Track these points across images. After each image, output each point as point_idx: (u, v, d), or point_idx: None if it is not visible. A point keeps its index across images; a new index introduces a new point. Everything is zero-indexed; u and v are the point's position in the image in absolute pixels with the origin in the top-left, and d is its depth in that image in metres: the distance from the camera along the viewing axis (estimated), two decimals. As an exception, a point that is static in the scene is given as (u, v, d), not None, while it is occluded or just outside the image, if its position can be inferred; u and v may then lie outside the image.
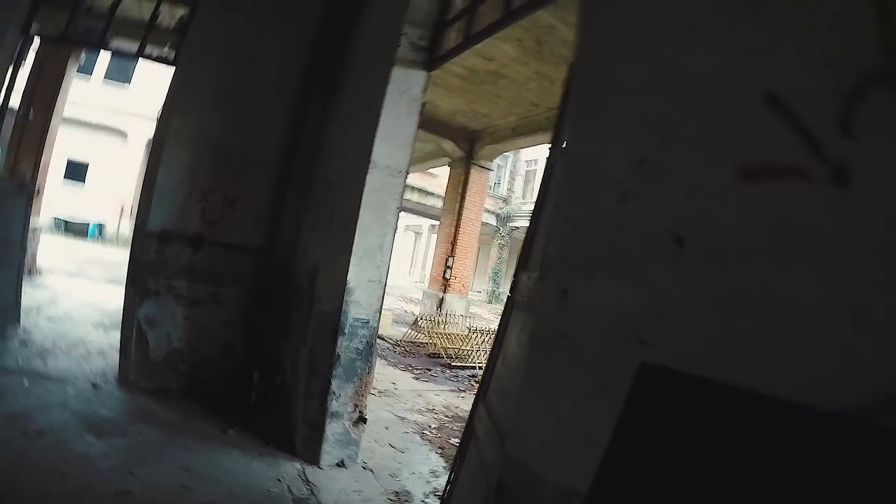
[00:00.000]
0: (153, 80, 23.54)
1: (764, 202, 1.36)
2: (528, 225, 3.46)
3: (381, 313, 4.83)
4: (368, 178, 4.55)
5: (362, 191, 4.54)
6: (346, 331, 4.61)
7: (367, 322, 4.69)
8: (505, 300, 3.50)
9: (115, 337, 7.27)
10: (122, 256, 18.56)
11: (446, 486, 3.77)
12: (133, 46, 6.51)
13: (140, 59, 6.50)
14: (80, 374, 5.78)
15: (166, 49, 6.49)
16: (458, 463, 3.60)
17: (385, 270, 4.74)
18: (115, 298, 10.37)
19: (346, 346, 4.63)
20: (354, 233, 4.55)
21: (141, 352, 5.80)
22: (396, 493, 4.56)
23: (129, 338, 5.81)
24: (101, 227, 23.96)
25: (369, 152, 4.56)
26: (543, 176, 3.49)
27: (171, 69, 6.37)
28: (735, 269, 1.37)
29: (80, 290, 10.95)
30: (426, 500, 4.61)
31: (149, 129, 24.37)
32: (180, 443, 4.69)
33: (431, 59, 4.77)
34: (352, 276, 4.57)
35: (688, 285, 1.44)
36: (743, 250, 1.37)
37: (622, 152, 1.66)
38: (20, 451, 3.96)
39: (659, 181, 1.55)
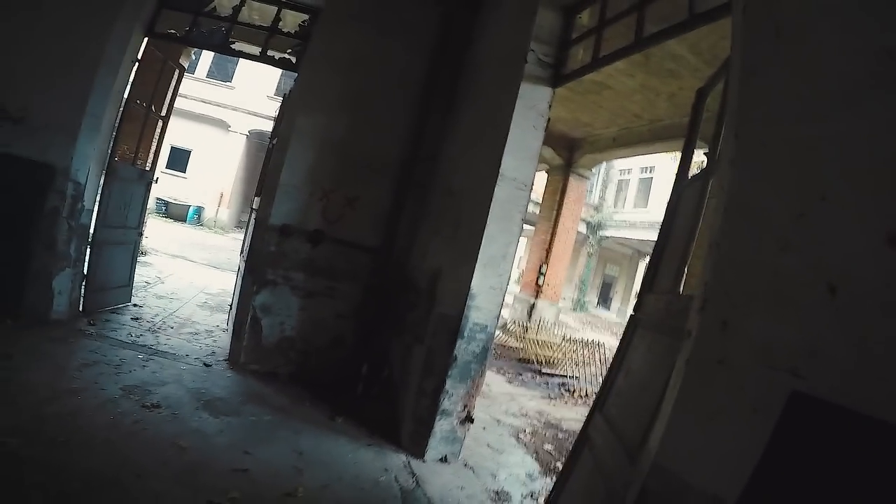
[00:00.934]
0: (252, 78, 25.12)
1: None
2: (655, 250, 3.67)
3: (499, 319, 5.10)
4: (497, 190, 4.82)
5: (490, 202, 4.82)
6: (466, 334, 4.89)
7: (486, 327, 4.97)
8: (628, 320, 3.70)
9: (221, 318, 7.82)
10: (219, 241, 19.72)
11: (553, 489, 4.00)
12: (253, 49, 6.94)
13: (259, 61, 6.89)
14: (191, 352, 6.22)
15: (287, 53, 6.92)
16: (569, 468, 3.83)
17: (506, 278, 5.01)
18: (216, 281, 11.10)
19: (464, 349, 4.91)
20: (480, 241, 4.83)
21: (254, 336, 6.23)
22: (496, 493, 4.79)
23: (244, 322, 6.24)
24: (200, 211, 25.23)
25: (498, 165, 4.83)
26: (670, 202, 3.69)
27: (278, 71, 6.82)
28: (877, 319, 1.61)
29: (183, 271, 11.60)
30: (524, 500, 4.84)
31: (248, 122, 25.89)
32: (291, 426, 5.00)
33: (557, 76, 4.98)
34: (475, 283, 4.85)
35: (837, 329, 1.67)
36: (885, 304, 1.59)
37: (783, 203, 1.90)
38: (139, 423, 4.26)
39: (817, 235, 1.79)
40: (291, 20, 6.90)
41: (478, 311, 4.90)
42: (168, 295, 8.85)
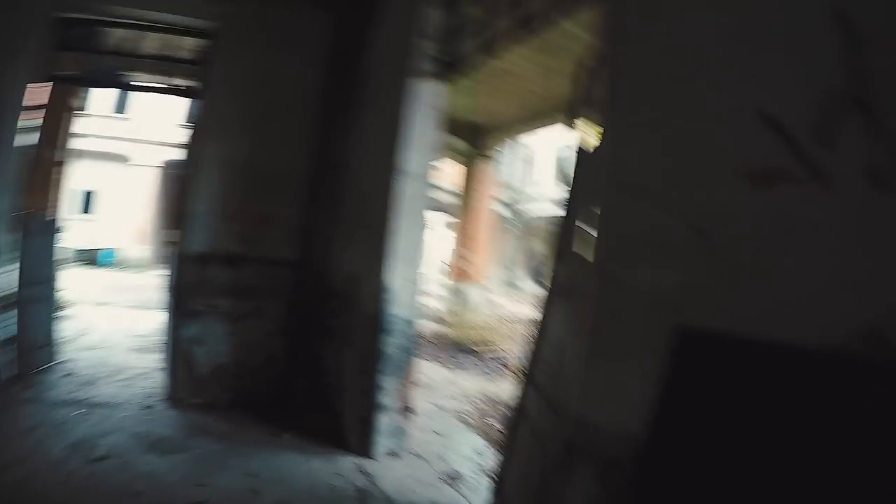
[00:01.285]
0: (159, 108, 23.84)
1: (766, 200, 1.78)
2: (561, 221, 3.81)
3: (419, 310, 5.20)
4: (398, 186, 4.90)
5: (394, 199, 4.90)
6: (390, 329, 4.95)
7: (409, 319, 5.06)
8: (544, 291, 3.84)
9: (153, 359, 7.59)
10: (142, 280, 19.01)
11: (500, 462, 4.14)
12: (148, 80, 6.79)
13: (163, 94, 6.76)
14: (130, 398, 6.03)
15: (185, 81, 6.79)
16: (510, 440, 3.98)
17: (420, 270, 5.11)
18: (145, 322, 10.73)
19: (391, 344, 4.97)
20: (389, 238, 4.91)
21: (188, 370, 6.11)
22: (448, 475, 4.90)
23: (176, 357, 6.12)
24: (119, 252, 24.20)
25: (397, 162, 4.91)
26: (574, 176, 3.84)
27: (178, 98, 6.71)
28: (744, 253, 1.80)
29: (108, 317, 11.12)
30: (475, 477, 4.96)
31: (158, 154, 24.71)
32: (240, 451, 4.97)
33: (448, 70, 5.07)
34: (392, 279, 4.93)
35: (708, 266, 1.86)
36: (750, 238, 1.79)
37: (651, 161, 2.09)
38: (91, 477, 4.19)
39: (685, 187, 1.97)
40: (191, 46, 6.77)
41: (398, 306, 4.98)
42: (98, 345, 8.50)
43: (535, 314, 3.73)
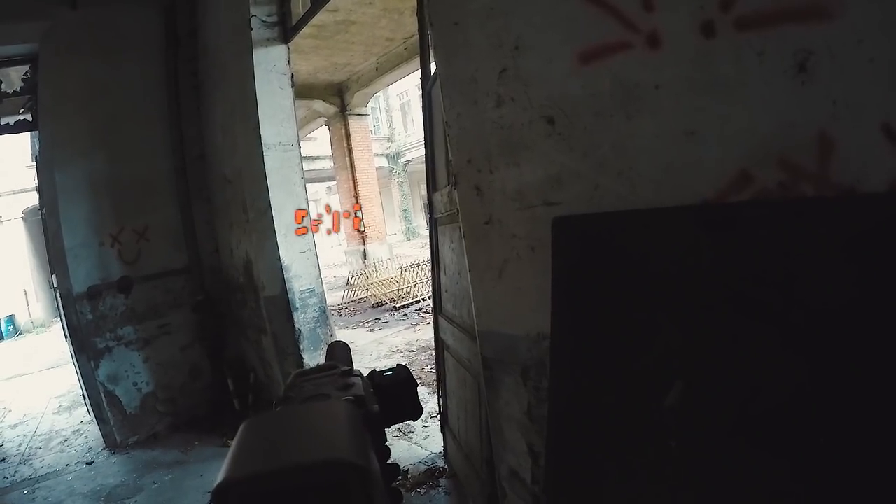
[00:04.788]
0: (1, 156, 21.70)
1: (603, 74, 1.78)
2: (424, 152, 3.82)
3: (321, 278, 5.11)
4: (266, 160, 4.73)
5: (265, 174, 4.73)
6: (298, 305, 4.88)
7: (313, 290, 4.99)
8: (428, 225, 3.87)
9: (81, 413, 7.31)
10: (44, 339, 17.88)
11: (439, 400, 4.21)
12: None
13: None
14: (70, 460, 5.82)
15: (20, 113, 6.26)
16: (441, 376, 4.04)
17: (311, 238, 5.00)
18: (60, 380, 10.25)
19: (304, 319, 4.92)
20: (272, 214, 4.76)
21: (116, 411, 5.86)
22: (399, 429, 4.95)
23: (100, 403, 5.84)
24: (12, 319, 22.35)
25: (259, 137, 4.72)
26: (423, 104, 3.83)
27: (25, 137, 6.19)
28: (595, 129, 1.81)
29: (23, 388, 10.62)
30: (426, 424, 5.05)
31: (17, 203, 22.38)
32: (193, 471, 4.94)
33: (286, 31, 4.90)
34: (284, 255, 4.81)
35: (566, 151, 1.87)
36: (597, 113, 1.80)
37: (487, 66, 2.06)
38: None
39: (520, 80, 1.96)
40: (15, 77, 6.19)
41: (298, 280, 4.90)
42: (21, 420, 8.05)
43: (428, 249, 3.76)
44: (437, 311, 3.83)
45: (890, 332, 1.39)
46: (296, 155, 4.90)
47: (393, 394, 0.75)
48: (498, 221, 2.09)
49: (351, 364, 0.79)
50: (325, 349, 4.41)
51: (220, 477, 0.42)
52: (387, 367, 0.76)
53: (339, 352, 0.88)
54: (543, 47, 1.91)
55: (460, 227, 2.39)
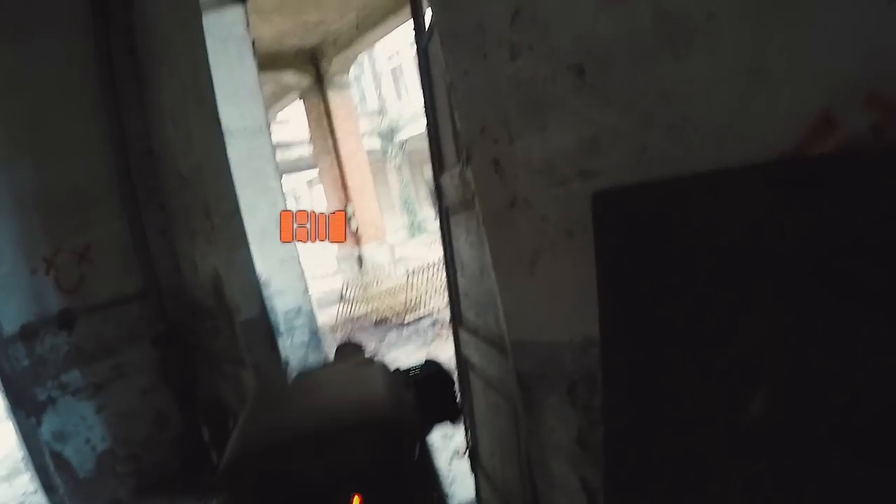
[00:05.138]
0: None
1: (641, 6, 1.78)
2: (426, 126, 3.83)
3: (309, 293, 5.12)
4: (229, 150, 4.70)
5: (229, 168, 4.71)
6: (282, 329, 4.88)
7: (300, 309, 5.00)
8: (438, 216, 3.88)
9: (24, 482, 7.39)
10: None
11: (466, 433, 4.23)
12: None
13: None
14: None
15: None
16: (467, 404, 4.05)
17: (293, 246, 5.01)
18: None
19: (290, 345, 4.92)
20: (241, 217, 4.74)
21: (67, 477, 5.89)
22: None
23: (45, 468, 5.86)
24: None
25: (217, 123, 4.70)
26: (419, 65, 3.84)
27: None
28: (637, 77, 1.81)
29: None
30: (451, 465, 5.15)
31: None
32: None
33: (241, -16, 4.88)
34: (260, 266, 4.79)
35: (602, 106, 1.87)
36: (637, 57, 1.80)
37: (496, 10, 2.07)
38: None
39: (539, 23, 1.96)
40: None
41: (281, 297, 4.89)
42: None
43: (440, 245, 3.77)
44: (457, 322, 3.84)
45: None
46: (266, 142, 4.89)
47: (427, 390, 0.77)
48: (524, 203, 2.09)
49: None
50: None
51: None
52: (413, 364, 0.79)
53: (351, 352, 0.90)
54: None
55: (478, 214, 2.40)
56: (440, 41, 2.33)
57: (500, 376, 3.03)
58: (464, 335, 3.74)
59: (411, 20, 3.79)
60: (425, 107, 3.79)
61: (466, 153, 2.28)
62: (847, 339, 1.55)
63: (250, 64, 4.91)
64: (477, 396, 3.82)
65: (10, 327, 5.78)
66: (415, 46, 3.81)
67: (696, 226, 1.72)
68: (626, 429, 1.91)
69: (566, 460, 2.34)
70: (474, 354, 3.56)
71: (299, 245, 5.11)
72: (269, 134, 4.97)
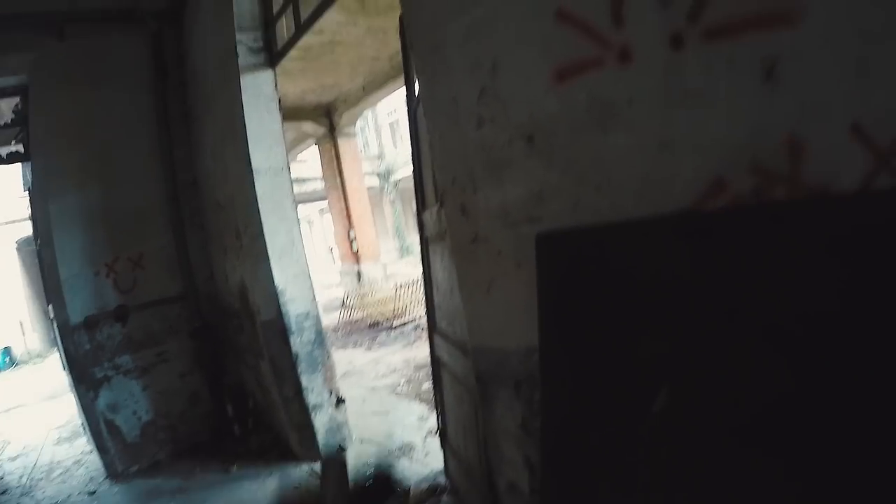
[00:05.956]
0: None
1: (578, 91, 1.84)
2: (412, 172, 3.88)
3: (316, 301, 5.14)
4: (257, 185, 4.76)
5: (256, 199, 4.76)
6: (294, 328, 4.90)
7: (308, 313, 5.01)
8: (419, 244, 3.92)
9: (82, 444, 7.32)
10: (41, 371, 17.81)
11: (438, 418, 4.24)
12: None
13: None
14: (72, 490, 5.81)
15: (12, 144, 6.30)
16: (439, 394, 4.07)
17: (304, 262, 5.03)
18: (60, 411, 10.24)
19: (300, 342, 4.94)
20: (264, 239, 4.79)
21: (117, 440, 5.86)
22: (399, 448, 5.02)
23: (100, 433, 5.84)
24: (8, 351, 22.18)
25: (248, 163, 4.75)
26: (409, 124, 3.89)
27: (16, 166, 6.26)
28: (573, 145, 1.87)
29: (22, 420, 10.60)
30: (426, 441, 5.08)
31: (10, 232, 21.97)
32: (196, 498, 4.93)
33: (271, 56, 4.94)
34: (278, 279, 4.83)
35: (546, 168, 1.93)
36: (574, 129, 1.86)
37: (467, 88, 2.12)
38: None
39: (499, 100, 2.02)
40: (6, 108, 6.23)
41: (293, 303, 4.91)
42: (21, 452, 8.00)
43: (420, 267, 3.81)
44: (432, 328, 3.87)
45: (867, 333, 1.44)
46: (286, 179, 4.94)
47: None
48: (484, 239, 2.15)
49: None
50: (322, 371, 4.46)
51: None
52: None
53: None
54: (520, 67, 1.98)
55: (449, 246, 2.45)
56: (423, 110, 2.38)
57: (464, 373, 3.06)
58: (437, 339, 3.77)
59: (405, 88, 3.85)
60: (412, 157, 3.84)
61: (441, 198, 2.32)
62: (731, 353, 1.60)
63: (276, 116, 4.96)
64: (446, 388, 3.84)
65: (76, 318, 5.78)
66: (407, 108, 3.85)
67: (614, 262, 1.78)
68: (558, 419, 1.95)
69: (513, 442, 2.37)
70: (445, 355, 3.59)
71: (310, 261, 5.14)
72: (289, 173, 5.00)
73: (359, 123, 16.16)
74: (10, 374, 19.97)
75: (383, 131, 33.54)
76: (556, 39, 1.87)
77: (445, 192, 2.26)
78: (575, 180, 1.87)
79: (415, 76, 3.58)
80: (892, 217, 1.40)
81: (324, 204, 25.93)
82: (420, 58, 2.36)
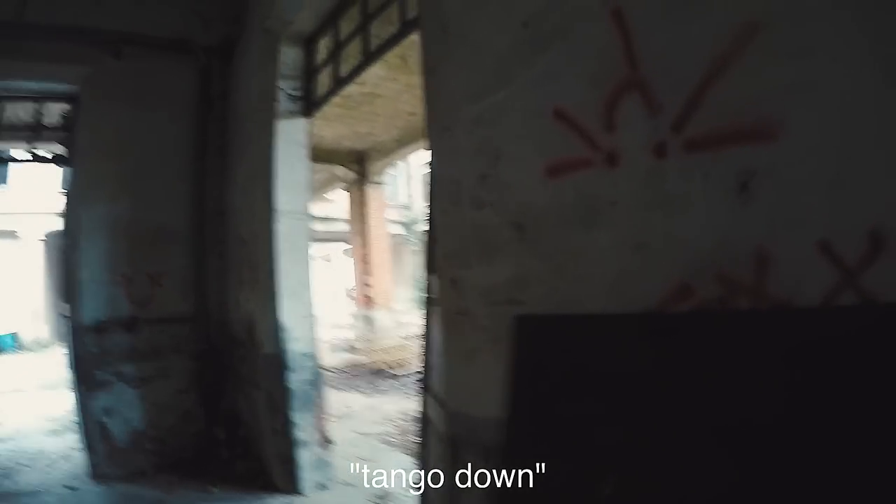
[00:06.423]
0: (36, 175, 21.06)
1: (567, 187, 2.01)
2: (426, 236, 4.03)
3: (318, 342, 5.28)
4: (278, 226, 4.98)
5: (275, 239, 4.98)
6: (293, 366, 5.02)
7: (309, 353, 5.14)
8: (425, 304, 4.04)
9: (72, 439, 7.35)
10: (45, 360, 17.99)
11: (419, 472, 4.29)
12: (16, 150, 6.60)
13: (30, 163, 6.57)
14: (53, 482, 5.84)
15: (55, 147, 6.63)
16: (423, 449, 4.14)
17: (312, 304, 5.19)
18: (55, 403, 10.33)
19: (297, 380, 5.04)
20: (277, 278, 4.97)
21: (106, 443, 5.93)
22: (378, 497, 5.01)
23: (92, 433, 5.95)
24: (15, 336, 22.52)
25: (273, 204, 4.99)
26: (427, 190, 4.07)
27: (52, 166, 6.57)
28: (557, 237, 2.03)
29: (18, 403, 10.74)
30: (404, 493, 5.08)
31: (41, 225, 22.46)
32: None
33: (309, 105, 5.21)
34: (285, 317, 4.99)
35: (531, 255, 2.08)
36: (559, 223, 2.02)
37: (471, 171, 2.30)
38: None
39: (497, 188, 2.20)
40: (54, 110, 6.58)
41: (296, 342, 5.05)
42: (11, 436, 8.13)
43: (421, 326, 3.92)
44: (425, 388, 3.96)
45: (817, 445, 1.53)
46: (305, 224, 5.16)
47: None
48: (470, 313, 2.29)
49: None
50: (314, 410, 4.54)
51: None
52: None
53: None
54: (519, 158, 2.16)
55: (439, 311, 2.59)
56: (431, 185, 2.56)
57: (443, 433, 3.16)
58: (428, 399, 3.85)
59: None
60: (428, 222, 3.99)
61: (439, 269, 2.48)
62: (681, 447, 1.71)
63: (304, 163, 5.21)
64: (432, 446, 3.91)
65: (89, 321, 5.97)
66: (428, 174, 4.01)
67: (582, 350, 1.91)
68: (521, 488, 2.04)
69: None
70: (432, 414, 3.68)
71: (324, 300, 5.27)
72: (308, 217, 5.23)
73: (390, 171, 16.39)
74: (14, 357, 20.18)
75: (413, 182, 33.91)
76: (551, 136, 2.05)
77: (440, 265, 2.42)
78: (555, 270, 2.02)
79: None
80: (845, 333, 1.46)
81: (341, 244, 26.05)
82: (433, 137, 2.55)
